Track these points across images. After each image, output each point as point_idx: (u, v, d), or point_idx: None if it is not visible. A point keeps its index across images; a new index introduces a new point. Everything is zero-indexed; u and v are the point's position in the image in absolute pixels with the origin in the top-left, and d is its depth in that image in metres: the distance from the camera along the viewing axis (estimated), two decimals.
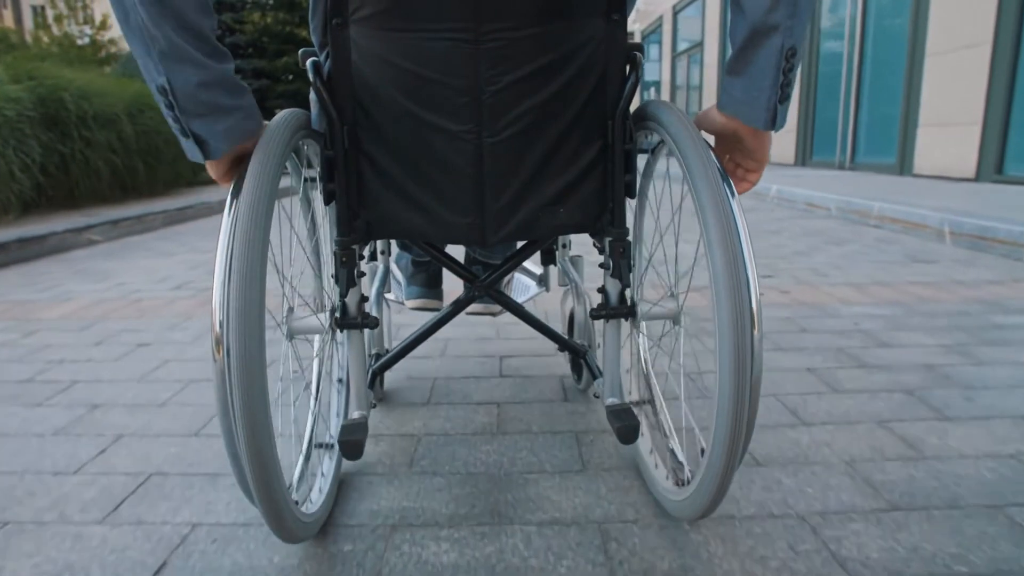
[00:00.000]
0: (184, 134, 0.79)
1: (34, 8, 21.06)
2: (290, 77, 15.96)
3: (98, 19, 20.66)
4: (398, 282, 1.51)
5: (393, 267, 1.52)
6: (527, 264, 1.59)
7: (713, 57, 12.77)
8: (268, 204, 0.73)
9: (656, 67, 17.29)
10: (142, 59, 0.75)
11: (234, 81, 0.81)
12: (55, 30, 21.15)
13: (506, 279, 1.53)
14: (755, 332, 0.76)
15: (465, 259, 1.49)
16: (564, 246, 1.40)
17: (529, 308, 1.99)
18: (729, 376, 0.74)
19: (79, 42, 21.33)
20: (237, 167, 0.86)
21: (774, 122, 0.83)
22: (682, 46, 15.18)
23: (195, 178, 7.38)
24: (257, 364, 0.69)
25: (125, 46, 17.70)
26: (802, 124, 9.16)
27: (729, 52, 0.85)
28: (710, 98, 13.05)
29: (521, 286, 1.57)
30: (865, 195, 4.56)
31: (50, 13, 19.90)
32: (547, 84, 0.90)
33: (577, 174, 0.97)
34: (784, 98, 0.82)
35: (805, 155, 9.16)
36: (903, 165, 6.79)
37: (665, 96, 16.35)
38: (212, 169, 0.87)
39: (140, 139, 5.83)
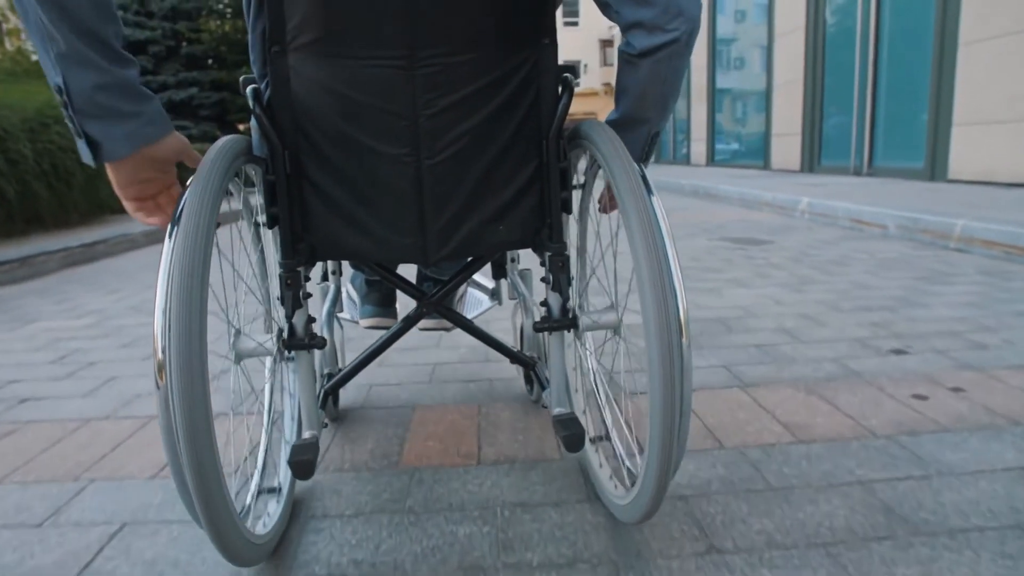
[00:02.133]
0: (78, 134, 0.79)
1: None
2: None
3: None
4: (353, 301, 1.51)
5: (348, 287, 1.52)
6: (479, 278, 1.59)
7: (702, 59, 12.01)
8: (207, 231, 0.73)
9: None
10: (41, 57, 0.74)
11: (136, 87, 0.80)
12: (8, 45, 20.02)
13: (459, 294, 1.54)
14: (683, 339, 0.80)
15: (417, 276, 1.50)
16: (513, 260, 1.39)
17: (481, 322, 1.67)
18: (659, 382, 0.76)
19: (33, 58, 20.22)
20: (138, 179, 0.84)
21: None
22: None
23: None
24: (200, 387, 0.69)
25: None
26: (807, 126, 8.38)
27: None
28: (698, 102, 12.30)
29: (474, 300, 1.57)
30: (920, 207, 3.72)
31: (4, 27, 18.87)
32: (482, 107, 0.93)
33: (515, 192, 1.00)
34: (645, 158, 1.02)
35: (812, 160, 8.38)
36: (934, 169, 6.00)
37: None
38: (114, 176, 0.83)
39: (42, 159, 4.83)
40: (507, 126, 0.96)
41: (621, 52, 0.93)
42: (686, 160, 13.31)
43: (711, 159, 12.04)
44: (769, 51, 9.32)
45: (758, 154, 10.02)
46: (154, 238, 5.05)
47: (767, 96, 9.50)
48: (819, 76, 8.12)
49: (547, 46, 0.94)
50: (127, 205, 0.87)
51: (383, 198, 0.96)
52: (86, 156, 0.80)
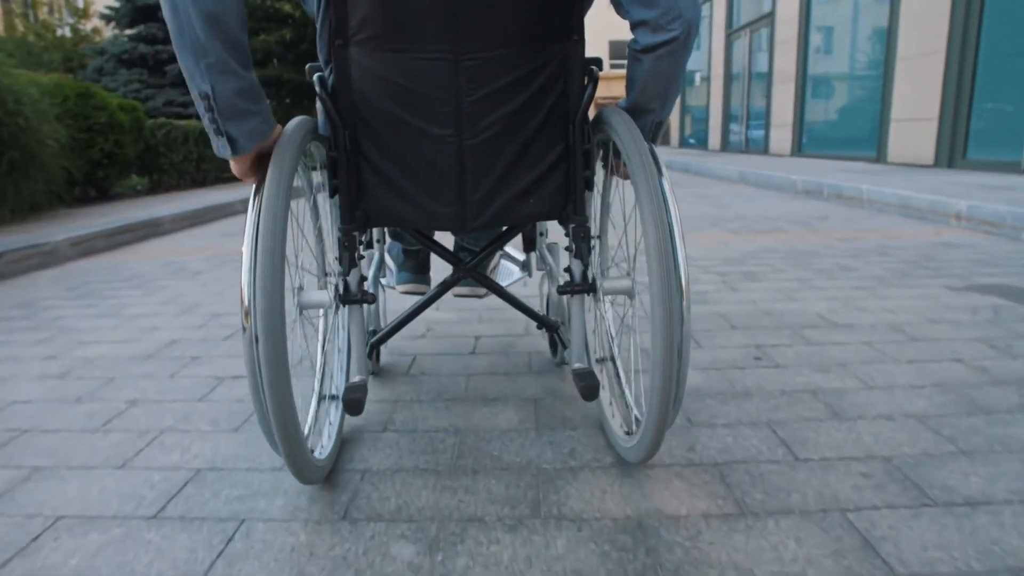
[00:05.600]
0: (219, 133, 0.92)
1: None
2: (274, 61, 13.51)
3: (81, 6, 18.72)
4: (390, 269, 1.62)
5: (385, 256, 1.60)
6: (512, 251, 1.68)
7: (791, 31, 10.18)
8: (285, 199, 0.86)
9: (698, 55, 14.64)
10: (189, 69, 0.88)
11: (258, 88, 0.94)
12: (32, 18, 19.17)
13: (492, 264, 1.65)
14: (683, 301, 0.92)
15: (454, 246, 1.57)
16: (542, 234, 1.52)
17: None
18: (661, 339, 0.88)
19: (59, 32, 19.36)
20: (255, 165, 0.99)
21: None
22: (740, 20, 12.57)
23: (72, 195, 4.93)
24: (278, 332, 0.82)
25: (106, 35, 15.60)
26: (948, 109, 6.57)
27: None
28: (782, 83, 10.47)
29: (506, 271, 1.67)
30: None
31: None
32: (517, 95, 1.05)
33: (544, 170, 1.10)
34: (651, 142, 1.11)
35: (953, 152, 6.59)
36: None
37: (717, 89, 13.74)
38: (236, 166, 0.98)
39: None
40: (538, 112, 1.06)
41: (629, 48, 1.02)
42: (763, 149, 11.51)
43: (797, 149, 10.24)
44: (892, 15, 7.50)
45: (867, 144, 8.23)
46: (86, 248, 3.61)
47: (885, 72, 7.69)
48: (972, 44, 6.30)
49: (575, 42, 1.05)
50: (248, 182, 1.00)
51: (428, 173, 1.07)
52: (224, 152, 0.94)
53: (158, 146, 6.55)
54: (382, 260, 1.52)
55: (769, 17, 11.05)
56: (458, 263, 1.33)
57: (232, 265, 3.15)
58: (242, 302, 0.85)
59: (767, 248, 3.15)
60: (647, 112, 1.08)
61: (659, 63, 0.99)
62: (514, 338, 1.86)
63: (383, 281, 1.57)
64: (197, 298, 2.46)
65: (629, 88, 1.06)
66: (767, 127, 11.32)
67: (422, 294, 1.57)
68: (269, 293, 0.81)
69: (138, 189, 7.09)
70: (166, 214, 4.53)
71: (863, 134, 8.41)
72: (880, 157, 7.82)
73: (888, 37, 7.59)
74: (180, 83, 12.25)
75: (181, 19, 0.84)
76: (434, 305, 2.19)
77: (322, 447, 1.12)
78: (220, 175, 8.58)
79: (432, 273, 1.59)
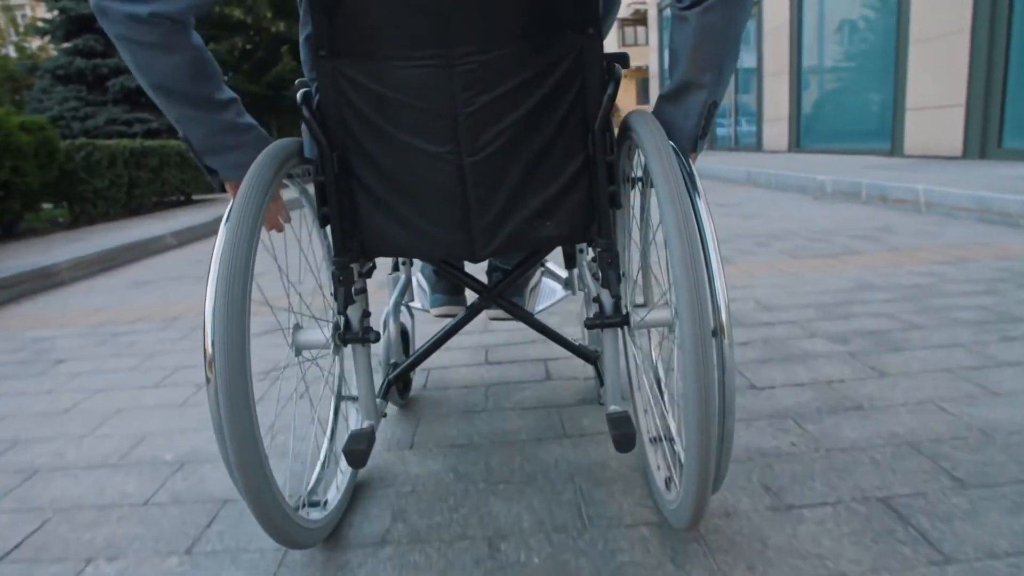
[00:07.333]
0: (200, 167, 0.97)
1: None
2: (229, 74, 12.51)
3: (24, 26, 17.69)
4: (423, 291, 1.49)
5: (419, 276, 1.52)
6: (554, 268, 1.56)
7: (782, 18, 9.48)
8: (251, 233, 0.78)
9: None
10: (168, 118, 0.94)
11: (234, 123, 0.95)
12: None
13: (532, 283, 1.51)
14: (724, 341, 0.76)
15: (488, 265, 1.47)
16: (581, 251, 1.38)
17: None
18: (694, 390, 0.72)
19: (2, 51, 18.23)
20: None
21: (694, 148, 0.95)
22: None
23: None
24: (241, 383, 0.73)
25: (53, 53, 14.58)
26: (977, 94, 5.85)
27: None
28: (775, 75, 9.76)
29: (548, 290, 1.54)
30: None
31: None
32: (523, 101, 0.91)
33: (562, 187, 0.97)
34: (703, 135, 0.93)
35: (986, 141, 5.87)
36: None
37: None
38: (232, 192, 0.99)
39: None
40: (551, 120, 0.93)
41: (672, 11, 0.90)
42: (755, 146, 10.79)
43: (795, 144, 9.52)
44: None
45: (879, 136, 7.51)
46: None
47: (896, 57, 6.98)
48: (1003, 19, 5.59)
49: (591, 36, 0.90)
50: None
51: (428, 195, 0.96)
52: (215, 185, 0.98)
53: (77, 171, 5.57)
54: (407, 284, 1.44)
55: (756, 4, 10.34)
56: (483, 289, 1.23)
57: (121, 341, 2.23)
58: (205, 348, 0.75)
59: (860, 282, 2.32)
60: (698, 88, 0.90)
61: (708, 18, 0.85)
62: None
63: (415, 305, 1.48)
64: (23, 426, 1.54)
65: (674, 63, 0.91)
66: (759, 122, 10.61)
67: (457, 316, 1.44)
68: (229, 339, 0.72)
69: (60, 222, 6.10)
70: (64, 259, 3.58)
71: (872, 126, 7.70)
72: (895, 150, 7.10)
73: (898, 18, 6.89)
74: (124, 99, 11.21)
75: (141, 84, 0.89)
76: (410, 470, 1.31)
77: (326, 503, 1.01)
78: (162, 200, 7.59)
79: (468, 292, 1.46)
